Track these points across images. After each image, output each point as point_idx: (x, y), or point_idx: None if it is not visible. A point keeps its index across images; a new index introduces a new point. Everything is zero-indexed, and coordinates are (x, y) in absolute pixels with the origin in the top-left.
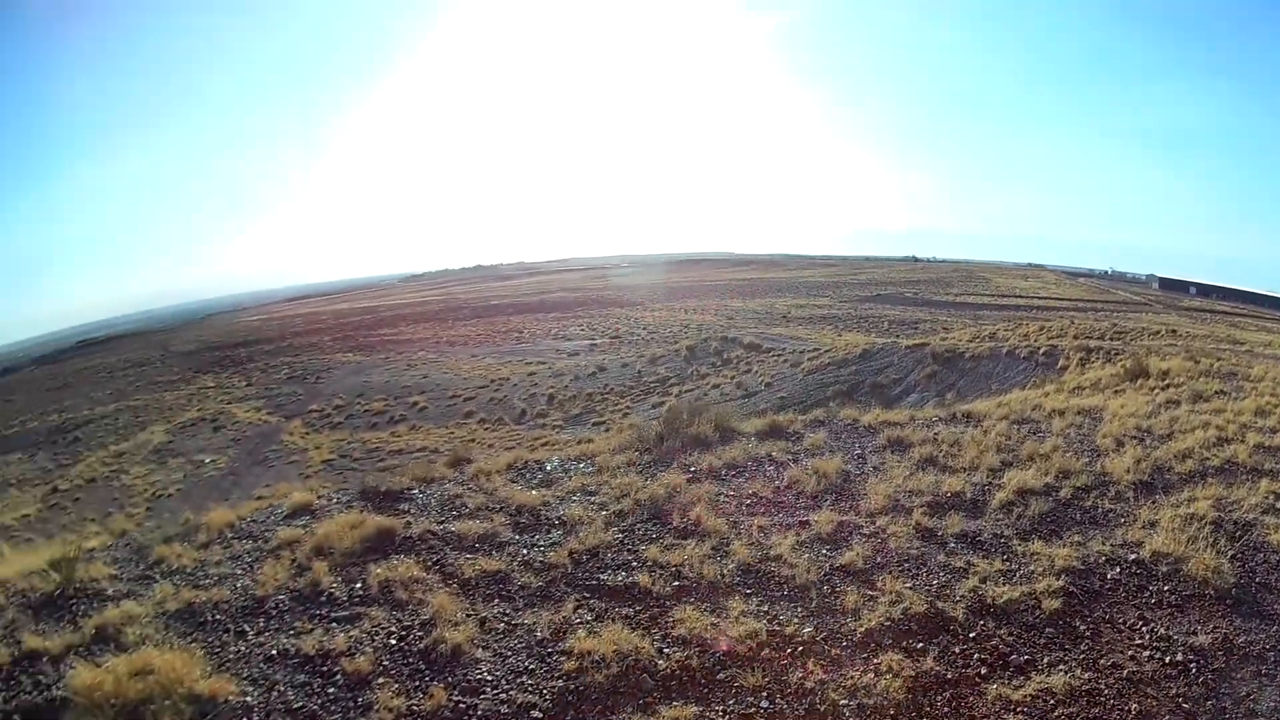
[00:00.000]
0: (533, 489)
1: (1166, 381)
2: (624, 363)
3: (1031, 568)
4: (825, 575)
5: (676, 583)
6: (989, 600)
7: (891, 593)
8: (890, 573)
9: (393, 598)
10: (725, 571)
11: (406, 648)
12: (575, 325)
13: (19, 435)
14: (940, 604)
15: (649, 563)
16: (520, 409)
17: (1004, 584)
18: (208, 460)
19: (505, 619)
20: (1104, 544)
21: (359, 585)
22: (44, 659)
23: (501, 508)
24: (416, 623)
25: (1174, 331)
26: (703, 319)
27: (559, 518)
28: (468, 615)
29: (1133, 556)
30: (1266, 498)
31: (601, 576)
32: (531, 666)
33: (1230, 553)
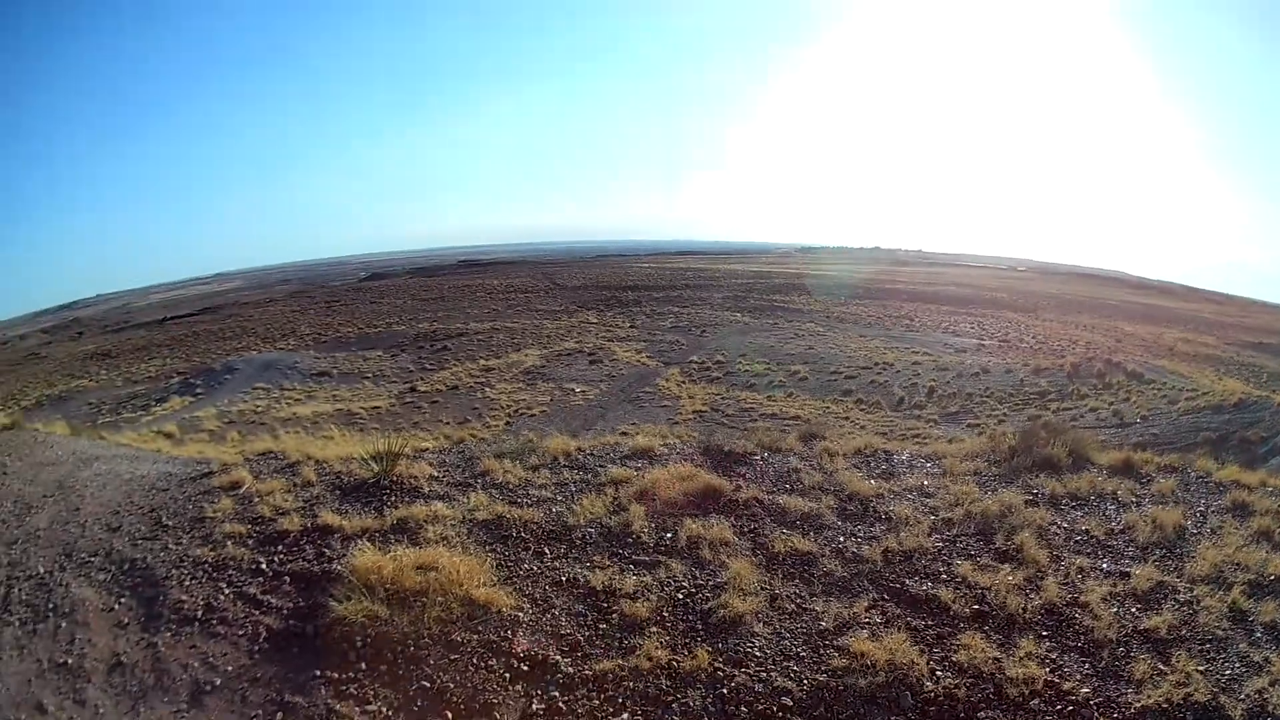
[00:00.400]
0: (871, 479)
1: None
2: (1008, 369)
3: None
4: (1125, 636)
5: (977, 606)
6: (1271, 706)
7: (1181, 672)
8: (1188, 650)
9: (696, 555)
10: (1029, 607)
11: (690, 605)
12: (965, 322)
13: (382, 335)
14: (1223, 698)
15: (958, 579)
16: (899, 397)
17: None
18: (578, 389)
19: (796, 600)
20: None
21: (668, 535)
22: (335, 535)
23: (834, 491)
24: (709, 584)
25: None
26: (1091, 337)
27: (887, 512)
28: (761, 589)
29: None
30: None
31: (907, 582)
32: (802, 654)
33: None
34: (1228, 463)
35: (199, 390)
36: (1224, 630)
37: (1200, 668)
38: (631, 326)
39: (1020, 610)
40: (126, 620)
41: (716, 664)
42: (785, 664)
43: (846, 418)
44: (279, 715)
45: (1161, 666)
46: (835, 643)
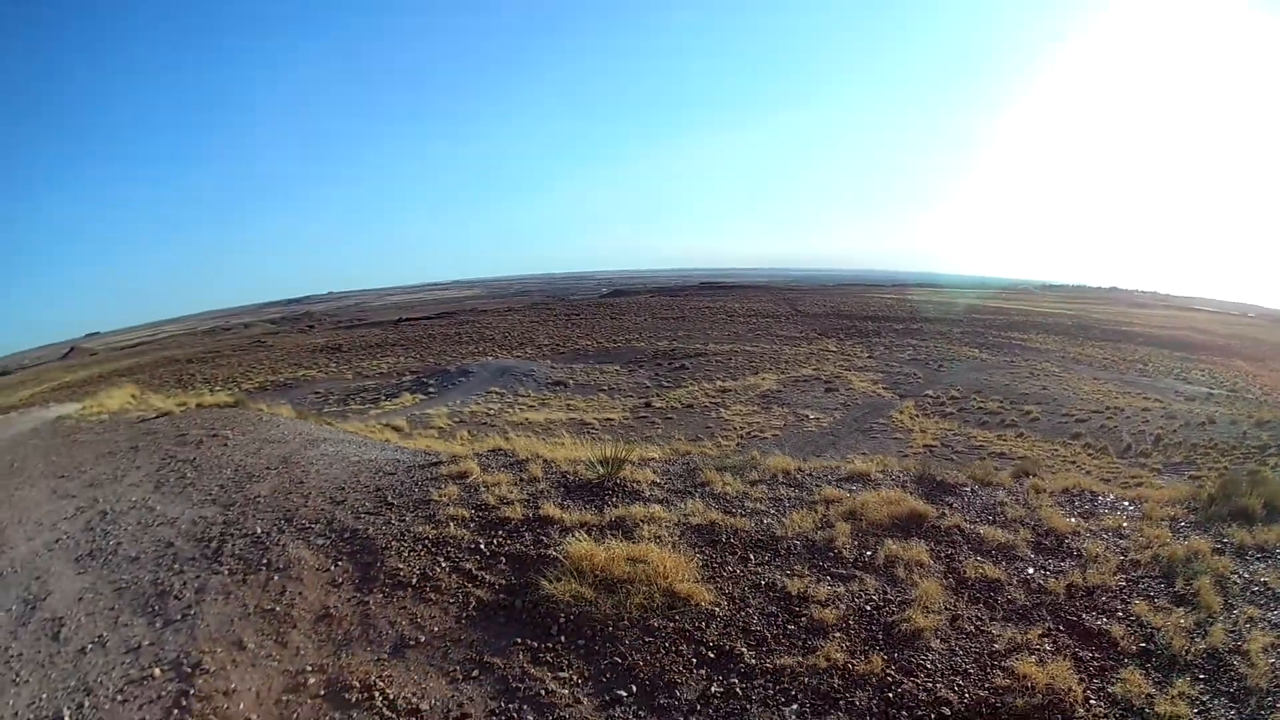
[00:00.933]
0: (1071, 516)
1: None
2: (1233, 420)
3: None
4: (1276, 687)
5: (1144, 645)
6: None
7: None
8: None
9: (891, 572)
10: (1192, 649)
11: (876, 616)
12: (1197, 369)
13: (621, 350)
14: None
15: (1132, 617)
16: (1126, 443)
17: None
18: (811, 416)
19: (976, 623)
20: None
21: (869, 553)
22: (554, 525)
23: (1033, 525)
24: (898, 599)
25: None
26: None
27: (1079, 549)
28: (945, 609)
29: None
30: None
31: (1084, 615)
32: (970, 670)
33: None
34: None
35: (431, 389)
36: None
37: None
38: (869, 357)
39: (1183, 651)
40: (341, 580)
41: (889, 671)
42: (952, 678)
43: (1073, 461)
44: (475, 672)
45: None
46: (1003, 664)
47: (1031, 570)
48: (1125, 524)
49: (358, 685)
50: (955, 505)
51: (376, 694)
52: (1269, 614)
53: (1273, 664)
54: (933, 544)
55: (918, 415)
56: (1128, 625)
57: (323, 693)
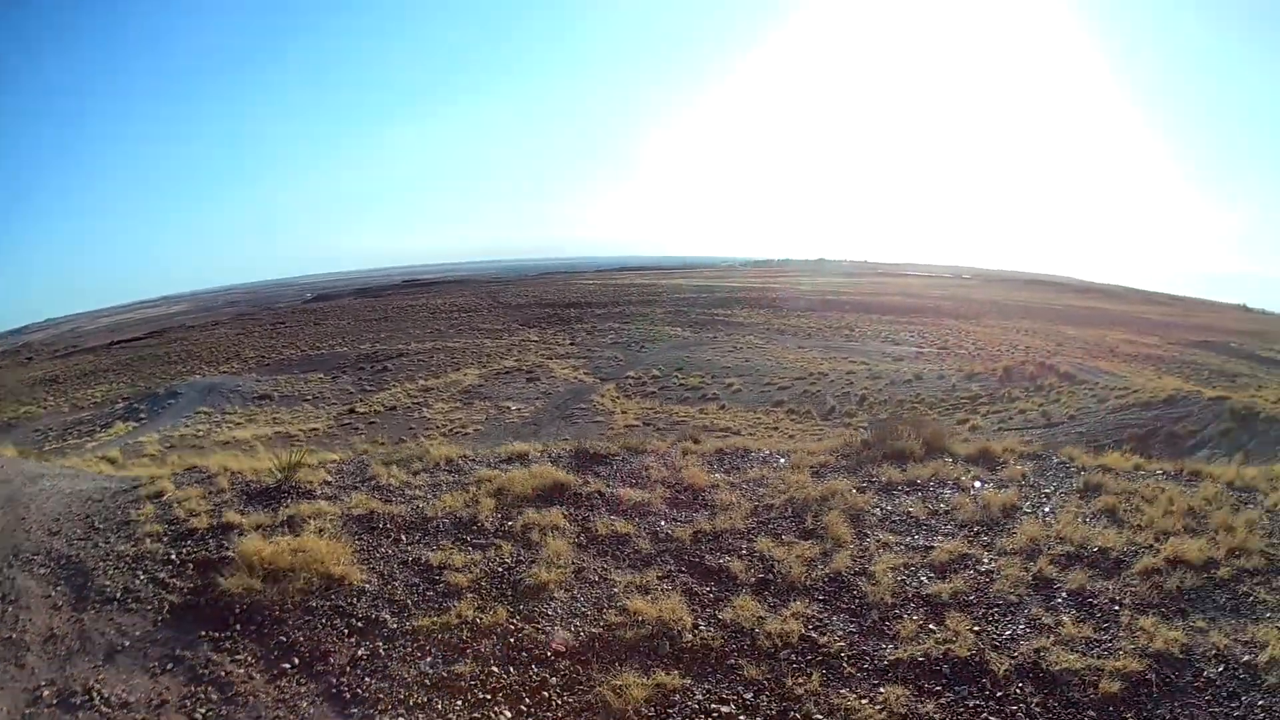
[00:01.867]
0: (716, 473)
1: None
2: (941, 374)
3: (1123, 643)
4: (901, 601)
5: (762, 575)
6: (1045, 664)
7: (951, 631)
8: (970, 613)
9: (526, 538)
10: (813, 576)
11: (506, 576)
12: (906, 331)
13: (324, 356)
14: (990, 654)
15: (755, 554)
16: (830, 405)
17: (1075, 652)
18: (513, 407)
19: (601, 573)
20: (1227, 636)
21: (509, 523)
22: (235, 530)
23: (673, 484)
24: (529, 559)
25: None
26: (1032, 342)
27: (713, 500)
28: (572, 563)
29: (1247, 657)
30: None
31: (707, 557)
32: (588, 612)
33: None
34: (1152, 457)
35: (143, 415)
36: (1017, 596)
37: (974, 628)
38: (571, 343)
39: (802, 578)
40: (60, 603)
41: (512, 621)
42: (570, 620)
43: (776, 428)
44: (170, 665)
45: (932, 627)
46: (620, 604)
47: (663, 523)
48: (769, 474)
49: (80, 690)
50: (603, 473)
51: (95, 695)
52: (905, 539)
53: (900, 580)
54: (571, 509)
55: (619, 397)
56: (749, 561)
57: (55, 702)
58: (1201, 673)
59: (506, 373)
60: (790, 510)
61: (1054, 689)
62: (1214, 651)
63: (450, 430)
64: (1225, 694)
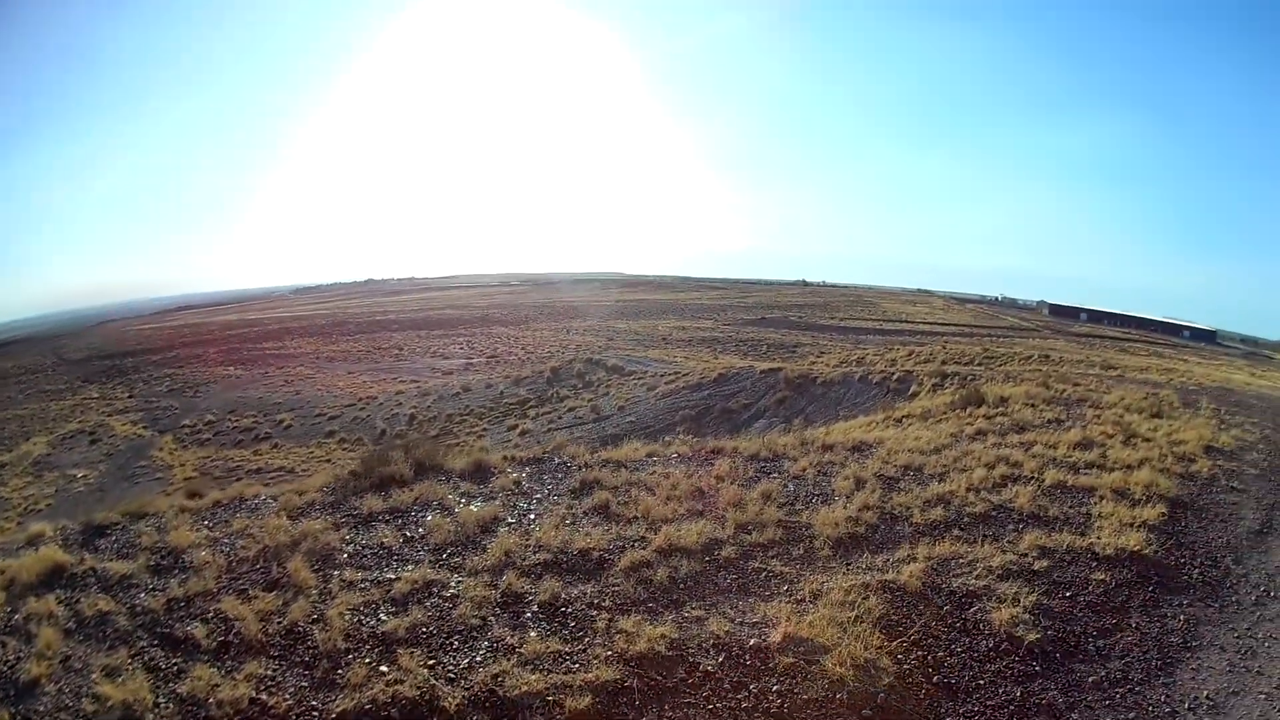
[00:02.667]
0: (202, 529)
1: (997, 410)
2: (489, 383)
3: (598, 651)
4: (355, 644)
5: (223, 638)
6: (503, 690)
7: (402, 670)
8: (425, 647)
9: (27, 630)
10: (269, 631)
11: (9, 674)
12: (456, 344)
13: None
14: (443, 689)
15: (219, 615)
16: (381, 429)
17: (538, 671)
18: (79, 475)
19: (84, 658)
20: (729, 621)
21: (15, 617)
22: None
23: (160, 549)
24: (28, 653)
25: (1047, 357)
26: (583, 340)
27: (192, 560)
28: (61, 652)
29: (754, 641)
30: (1020, 557)
31: (176, 626)
32: (70, 703)
33: (907, 639)
34: (708, 435)
35: None
36: (481, 618)
37: (429, 662)
38: (129, 396)
39: (259, 635)
40: None
41: None
42: (58, 715)
43: (328, 460)
44: None
45: (383, 668)
46: (92, 690)
47: (143, 595)
48: (253, 524)
49: None
50: (103, 546)
51: None
52: (372, 574)
53: (357, 621)
54: (66, 591)
55: (176, 449)
56: (212, 624)
57: None
58: (697, 667)
59: (72, 436)
60: (261, 561)
61: (514, 716)
62: (713, 642)
63: (25, 509)
64: (728, 686)
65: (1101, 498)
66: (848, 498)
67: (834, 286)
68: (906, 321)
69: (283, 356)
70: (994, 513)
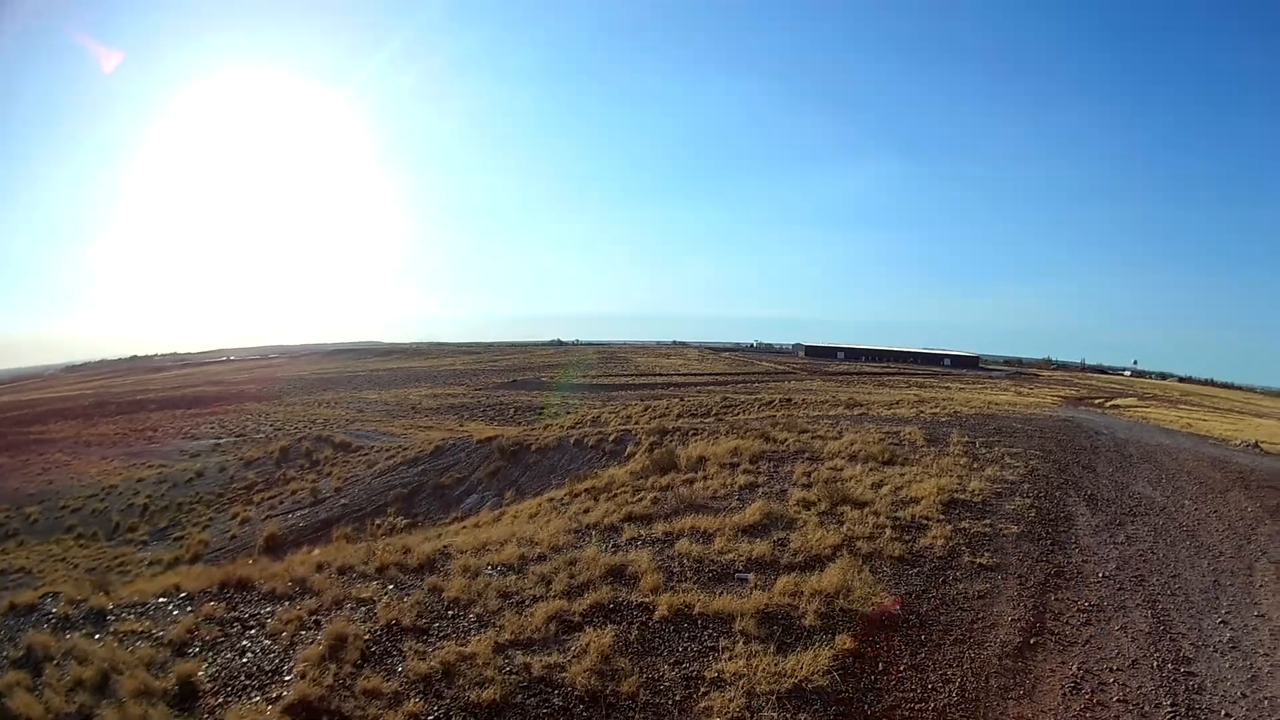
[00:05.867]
0: None
1: (687, 475)
2: (221, 467)
3: None
4: None
5: None
6: None
7: None
8: None
9: None
10: None
11: None
12: (207, 423)
13: None
14: None
15: None
16: (115, 522)
17: None
18: None
19: None
20: None
21: None
22: None
23: None
24: None
25: (789, 400)
26: (332, 414)
27: None
28: None
29: None
30: None
31: None
32: None
33: None
34: (422, 515)
35: None
36: None
37: None
38: None
39: None
40: None
41: None
42: None
43: (63, 558)
44: None
45: None
46: None
47: None
48: None
49: None
50: None
51: None
52: None
53: None
54: None
55: None
56: None
57: None
58: None
59: None
60: None
61: None
62: None
63: None
64: None
65: (742, 635)
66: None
67: (590, 344)
68: (660, 374)
69: (44, 441)
70: (519, 696)
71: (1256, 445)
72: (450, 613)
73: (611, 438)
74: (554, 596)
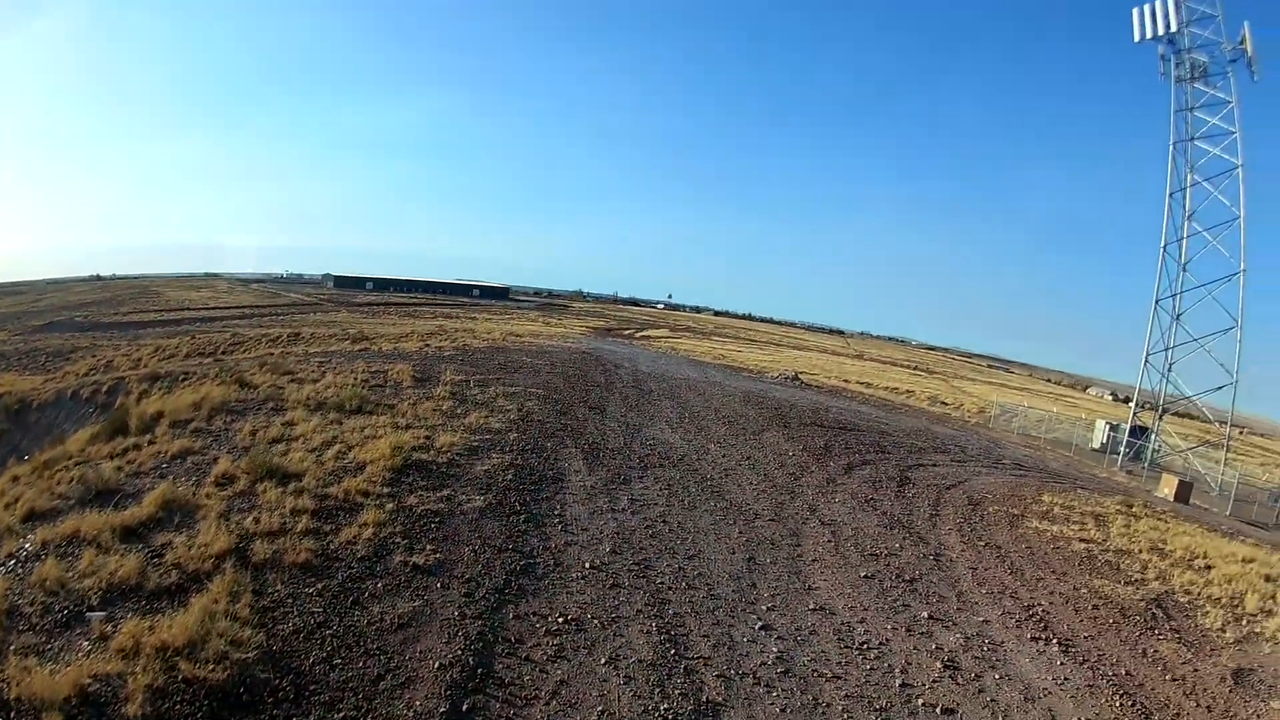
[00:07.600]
0: None
1: (135, 440)
2: None
3: None
4: None
5: None
6: None
7: None
8: None
9: None
10: None
11: None
12: None
13: None
14: None
15: None
16: None
17: None
18: None
19: None
20: None
21: None
22: None
23: None
24: None
25: (297, 334)
26: None
27: None
28: None
29: None
30: None
31: None
32: None
33: None
34: None
35: None
36: None
37: None
38: None
39: None
40: None
41: None
42: None
43: None
44: None
45: None
46: None
47: None
48: None
49: None
50: None
51: None
52: None
53: None
54: None
55: None
56: None
57: None
58: None
59: None
60: None
61: None
62: None
63: None
64: None
65: None
66: None
67: (128, 278)
68: (189, 309)
69: None
70: None
71: (796, 377)
72: None
73: (104, 389)
74: None
